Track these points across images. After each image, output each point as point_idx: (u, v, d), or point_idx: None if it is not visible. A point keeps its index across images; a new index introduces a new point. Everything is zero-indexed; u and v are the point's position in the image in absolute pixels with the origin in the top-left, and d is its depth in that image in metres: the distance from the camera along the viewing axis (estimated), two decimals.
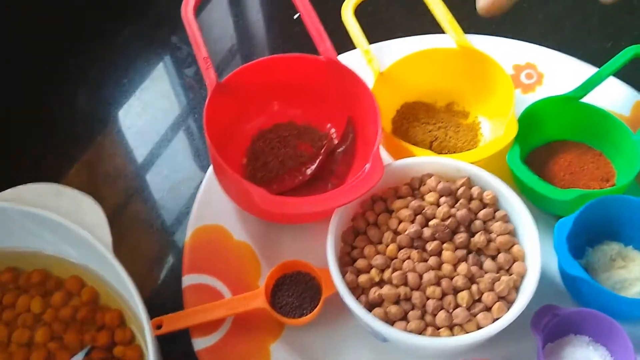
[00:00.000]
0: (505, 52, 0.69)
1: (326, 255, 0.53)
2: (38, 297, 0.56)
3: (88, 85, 0.77)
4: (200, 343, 0.55)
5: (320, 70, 0.62)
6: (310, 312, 0.56)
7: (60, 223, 0.53)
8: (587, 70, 0.67)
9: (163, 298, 0.61)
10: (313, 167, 0.64)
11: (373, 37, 0.71)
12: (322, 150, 0.64)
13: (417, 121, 0.67)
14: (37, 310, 0.56)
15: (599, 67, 0.64)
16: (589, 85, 0.63)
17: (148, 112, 0.74)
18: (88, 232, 0.52)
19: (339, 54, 0.69)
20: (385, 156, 0.63)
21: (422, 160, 0.58)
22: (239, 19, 0.83)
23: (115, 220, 0.66)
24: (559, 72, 0.69)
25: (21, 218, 0.54)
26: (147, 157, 0.71)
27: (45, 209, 0.53)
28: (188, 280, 0.59)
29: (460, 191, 0.57)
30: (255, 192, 0.54)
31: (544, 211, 0.60)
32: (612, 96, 0.66)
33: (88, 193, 0.67)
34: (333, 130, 0.66)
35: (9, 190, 0.55)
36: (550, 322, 0.54)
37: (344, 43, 0.69)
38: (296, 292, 0.58)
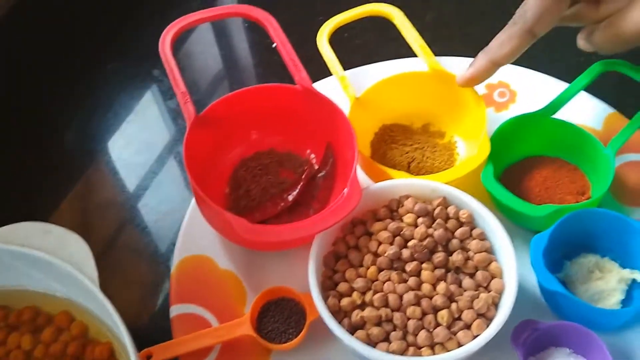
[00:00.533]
0: None
1: (308, 281, 0.55)
2: (28, 334, 0.57)
3: (75, 121, 0.78)
4: None
5: (297, 98, 0.64)
6: (296, 337, 0.57)
7: (48, 261, 0.54)
8: (559, 86, 0.69)
9: (154, 328, 0.62)
10: (294, 193, 0.65)
11: (350, 62, 0.73)
12: (303, 176, 0.66)
13: (395, 143, 0.69)
14: (27, 346, 0.57)
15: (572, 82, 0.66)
16: (559, 101, 0.64)
17: (134, 144, 0.75)
18: (74, 268, 0.54)
19: (317, 80, 0.71)
20: (365, 179, 0.64)
21: (398, 183, 0.60)
22: (224, 49, 0.85)
23: (107, 251, 0.67)
24: (532, 89, 0.70)
25: (9, 258, 0.55)
26: (136, 188, 0.72)
27: (33, 248, 0.55)
28: (176, 310, 0.60)
29: (436, 211, 0.58)
30: (235, 222, 0.55)
31: (521, 227, 0.62)
32: (584, 111, 0.68)
33: (80, 225, 0.69)
34: (313, 155, 0.68)
35: None
36: (530, 336, 0.55)
37: (322, 70, 0.70)
38: (281, 318, 0.59)
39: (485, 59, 0.60)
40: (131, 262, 0.67)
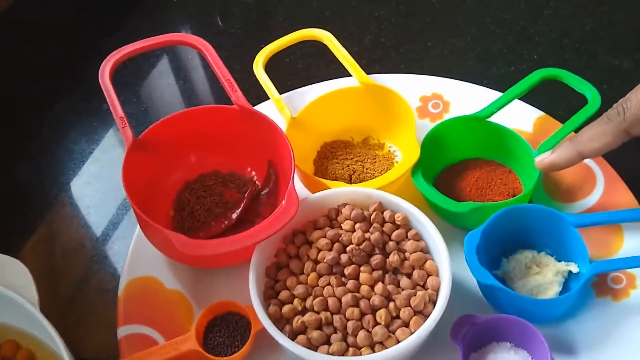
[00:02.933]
0: (412, 85, 0.74)
1: (248, 289, 0.56)
2: None
3: (29, 161, 0.79)
4: None
5: (235, 118, 0.66)
6: (240, 349, 0.57)
7: None
8: (491, 95, 0.71)
9: None
10: (238, 211, 0.66)
11: (291, 86, 0.76)
12: (246, 195, 0.67)
13: (336, 158, 0.70)
14: None
15: (503, 92, 0.68)
16: (496, 104, 0.67)
17: (94, 181, 0.76)
18: (15, 293, 0.54)
19: (258, 104, 0.73)
20: (308, 194, 0.66)
21: (335, 192, 0.61)
22: (182, 80, 0.87)
23: (77, 293, 0.67)
24: (464, 99, 0.73)
25: None
26: (104, 227, 0.72)
27: None
28: (123, 331, 0.60)
29: (373, 216, 0.59)
30: (173, 237, 0.56)
31: (456, 226, 0.63)
32: (515, 114, 0.70)
33: (47, 267, 0.69)
34: (254, 173, 0.69)
35: None
36: (470, 331, 0.56)
37: (262, 93, 0.73)
38: (227, 332, 0.59)
39: (572, 149, 0.58)
40: (102, 303, 0.66)
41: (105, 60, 0.66)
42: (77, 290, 0.68)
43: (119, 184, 0.74)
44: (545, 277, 0.60)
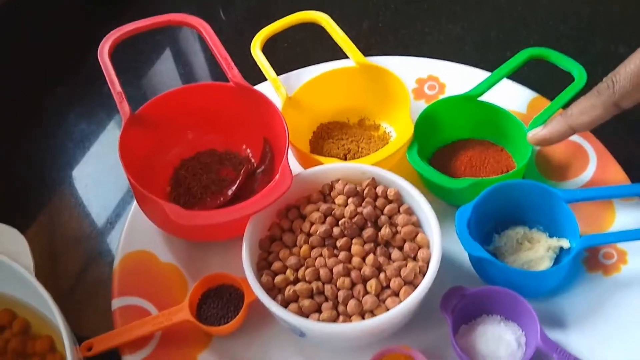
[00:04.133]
0: (408, 68, 0.74)
1: (242, 261, 0.56)
2: None
3: (30, 142, 0.80)
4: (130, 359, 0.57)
5: (231, 95, 0.67)
6: (233, 319, 0.58)
7: None
8: (486, 77, 0.72)
9: None
10: (233, 187, 0.67)
11: (289, 69, 0.77)
12: (242, 172, 0.68)
13: (332, 138, 0.71)
14: None
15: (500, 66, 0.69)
16: (486, 83, 0.67)
17: (94, 160, 0.77)
18: (10, 259, 0.55)
19: (254, 85, 0.74)
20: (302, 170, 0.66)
21: (329, 167, 0.62)
22: (181, 65, 0.89)
23: (76, 284, 0.68)
24: (460, 81, 0.73)
25: None
26: (103, 204, 0.73)
27: None
28: (117, 303, 0.61)
29: (365, 191, 0.60)
30: (168, 208, 0.57)
31: (450, 204, 0.64)
32: (510, 96, 0.71)
33: (49, 253, 0.70)
34: (249, 151, 0.70)
35: None
36: (459, 303, 0.56)
37: (261, 77, 0.74)
38: (220, 303, 0.60)
39: (564, 123, 0.59)
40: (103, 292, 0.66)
41: (105, 38, 0.67)
42: (76, 281, 0.68)
43: (118, 163, 0.76)
44: (537, 252, 0.60)
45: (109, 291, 0.62)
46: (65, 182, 0.76)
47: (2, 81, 0.86)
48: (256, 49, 0.73)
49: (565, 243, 0.59)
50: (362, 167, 0.61)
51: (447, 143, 0.69)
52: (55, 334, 0.57)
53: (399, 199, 0.60)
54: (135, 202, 0.66)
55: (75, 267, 0.68)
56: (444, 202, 0.65)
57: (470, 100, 0.67)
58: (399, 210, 0.59)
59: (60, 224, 0.72)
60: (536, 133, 0.61)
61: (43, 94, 0.85)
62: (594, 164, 0.66)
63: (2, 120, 0.82)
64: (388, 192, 0.60)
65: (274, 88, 0.70)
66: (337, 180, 0.61)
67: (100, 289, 0.65)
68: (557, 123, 0.59)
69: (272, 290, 0.56)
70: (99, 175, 0.76)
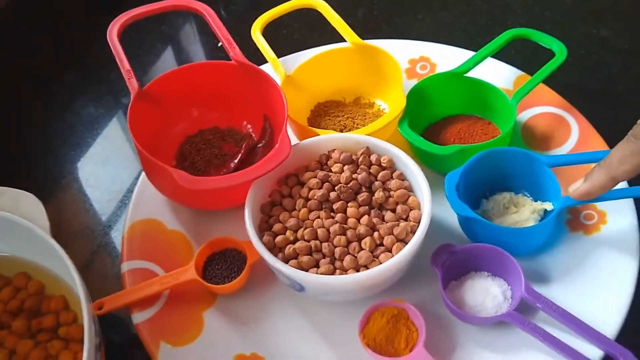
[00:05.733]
0: (401, 49, 0.78)
1: (244, 226, 0.60)
2: None
3: (40, 123, 0.84)
4: (138, 317, 0.61)
5: (233, 73, 0.71)
6: (237, 279, 0.62)
7: (2, 217, 0.59)
8: (473, 55, 0.76)
9: None
10: (235, 161, 0.71)
11: (287, 54, 0.80)
12: (243, 146, 0.72)
13: (328, 115, 0.75)
14: None
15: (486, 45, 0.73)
16: (472, 60, 0.71)
17: (102, 140, 0.81)
18: (28, 222, 0.59)
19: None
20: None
21: (326, 137, 0.66)
22: (183, 54, 0.93)
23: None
24: (450, 61, 0.77)
25: None
26: (111, 182, 0.77)
27: None
28: (126, 266, 0.64)
29: (360, 159, 0.64)
30: (175, 174, 0.60)
31: (440, 173, 0.67)
32: (497, 75, 0.75)
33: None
34: (250, 127, 0.74)
35: None
36: (449, 259, 0.60)
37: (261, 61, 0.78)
38: (224, 265, 0.63)
39: (604, 174, 0.56)
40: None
41: (113, 21, 0.71)
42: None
43: (125, 143, 0.80)
44: (522, 215, 0.64)
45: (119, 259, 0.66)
46: (76, 160, 0.80)
47: (13, 69, 0.91)
48: (256, 32, 0.77)
49: (548, 206, 0.63)
50: (357, 137, 0.65)
51: (437, 120, 0.73)
52: (69, 294, 0.61)
53: (392, 166, 0.64)
54: (143, 174, 0.69)
55: (88, 235, 0.72)
56: (434, 171, 0.68)
57: (457, 76, 0.71)
58: (392, 176, 0.63)
59: (72, 199, 0.76)
60: (577, 188, 0.58)
61: (52, 80, 0.89)
62: (575, 135, 0.70)
63: (13, 105, 0.86)
64: (382, 160, 0.64)
65: (274, 68, 0.74)
66: (334, 150, 0.65)
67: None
68: (598, 175, 0.56)
69: (274, 249, 0.60)
70: (107, 155, 0.79)
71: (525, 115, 0.73)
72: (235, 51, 0.70)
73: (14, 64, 0.91)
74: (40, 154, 0.81)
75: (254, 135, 0.73)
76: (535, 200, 0.65)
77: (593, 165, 0.65)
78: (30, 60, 0.92)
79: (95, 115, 0.84)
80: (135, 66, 0.68)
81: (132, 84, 0.67)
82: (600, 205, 0.64)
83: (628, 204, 0.63)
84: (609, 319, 0.56)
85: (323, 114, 0.76)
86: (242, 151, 0.71)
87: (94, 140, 0.82)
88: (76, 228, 0.73)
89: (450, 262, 0.60)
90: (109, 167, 0.78)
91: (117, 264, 0.69)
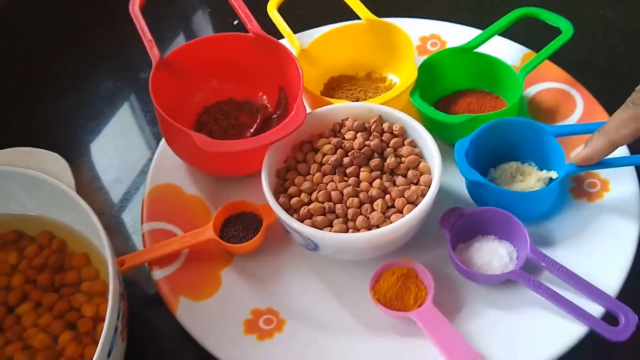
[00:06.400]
0: (412, 27, 0.80)
1: (262, 186, 0.62)
2: (14, 251, 0.64)
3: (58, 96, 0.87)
4: (158, 274, 0.63)
5: (250, 45, 0.73)
6: (253, 239, 0.64)
7: (29, 175, 0.61)
8: (481, 32, 0.78)
9: None
10: (252, 130, 0.73)
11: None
12: (259, 116, 0.74)
13: (342, 89, 0.78)
14: (13, 261, 0.63)
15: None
16: (481, 37, 0.74)
17: (121, 113, 0.83)
18: (55, 179, 0.61)
19: None
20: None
21: (339, 106, 0.68)
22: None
23: None
24: (460, 39, 0.79)
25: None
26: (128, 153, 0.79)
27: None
28: (147, 227, 0.67)
29: (373, 127, 0.66)
30: (196, 137, 0.63)
31: (449, 142, 0.70)
32: (505, 52, 0.77)
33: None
34: (265, 98, 0.76)
35: None
36: (457, 222, 0.62)
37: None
38: (241, 227, 0.66)
39: (603, 139, 0.58)
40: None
41: None
42: None
43: (141, 117, 0.82)
44: (528, 183, 0.66)
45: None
46: (95, 131, 0.82)
47: (29, 44, 0.93)
48: (273, 10, 0.80)
49: (553, 174, 0.65)
50: (370, 105, 0.67)
51: (446, 94, 0.75)
52: (91, 251, 0.63)
53: (403, 134, 0.66)
54: (162, 141, 0.72)
55: (106, 201, 0.75)
56: (443, 142, 0.70)
57: (466, 52, 0.74)
58: (403, 143, 0.66)
59: (90, 167, 0.79)
60: (578, 153, 0.61)
61: (68, 54, 0.92)
62: (580, 109, 0.72)
63: (31, 78, 0.89)
64: (394, 128, 0.66)
65: (289, 41, 0.77)
66: (347, 118, 0.67)
67: None
68: (597, 141, 0.59)
69: (289, 210, 0.62)
70: (125, 126, 0.82)
71: (531, 91, 0.75)
72: (253, 24, 0.72)
73: (35, 38, 0.94)
74: (59, 125, 0.84)
75: (269, 107, 0.76)
76: (541, 170, 0.67)
77: None
78: (50, 32, 0.95)
79: (113, 89, 0.87)
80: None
81: (154, 52, 0.69)
82: (603, 174, 0.66)
83: (630, 172, 0.65)
84: (611, 279, 0.59)
85: (336, 87, 0.78)
86: (258, 121, 0.74)
87: (112, 113, 0.84)
88: (94, 195, 0.76)
89: (458, 226, 0.62)
90: (127, 139, 0.81)
91: (135, 229, 0.71)
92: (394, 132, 0.66)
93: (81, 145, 0.81)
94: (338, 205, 0.61)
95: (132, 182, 0.76)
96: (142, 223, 0.67)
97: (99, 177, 0.78)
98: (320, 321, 0.61)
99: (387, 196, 0.62)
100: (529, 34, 0.81)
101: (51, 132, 0.83)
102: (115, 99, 0.86)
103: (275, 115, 0.75)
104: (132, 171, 0.77)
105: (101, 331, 0.52)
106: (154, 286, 0.63)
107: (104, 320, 0.58)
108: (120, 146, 0.80)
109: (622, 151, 0.66)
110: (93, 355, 0.50)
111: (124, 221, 0.73)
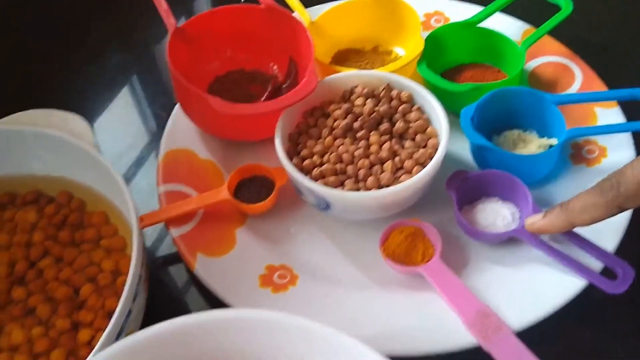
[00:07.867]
0: (417, 3, 0.82)
1: (275, 149, 0.65)
2: (33, 210, 0.66)
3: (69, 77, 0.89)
4: (176, 232, 0.65)
5: (261, 16, 0.75)
6: (266, 200, 0.67)
7: (51, 135, 0.63)
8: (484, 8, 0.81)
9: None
10: (262, 99, 0.76)
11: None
12: (269, 85, 0.77)
13: (349, 61, 0.80)
14: (33, 219, 0.65)
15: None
16: (484, 12, 0.77)
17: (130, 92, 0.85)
18: (76, 138, 0.63)
19: None
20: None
21: (350, 74, 0.71)
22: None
23: None
24: (463, 15, 0.82)
25: (17, 138, 0.65)
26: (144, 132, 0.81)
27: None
28: (162, 188, 0.69)
29: (382, 94, 0.69)
30: (211, 100, 0.65)
31: (454, 112, 0.72)
32: (506, 28, 0.80)
33: None
34: (276, 67, 0.79)
35: (4, 118, 0.66)
36: (463, 184, 0.65)
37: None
38: (254, 189, 0.68)
39: (564, 218, 0.57)
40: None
41: None
42: None
43: (156, 87, 0.84)
44: (529, 150, 0.69)
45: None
46: (107, 100, 0.84)
47: (43, 19, 0.95)
48: None
49: (554, 141, 0.68)
50: (379, 73, 0.70)
51: (450, 67, 0.78)
52: (110, 210, 0.65)
53: (411, 100, 0.69)
54: (176, 106, 0.74)
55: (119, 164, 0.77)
56: (449, 111, 0.73)
57: (469, 26, 0.77)
58: (411, 109, 0.68)
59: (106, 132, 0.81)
60: (534, 222, 0.60)
61: (83, 29, 0.94)
62: (579, 81, 0.75)
63: (45, 49, 0.91)
64: (402, 95, 0.69)
65: (299, 13, 0.79)
66: (357, 86, 0.70)
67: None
68: (557, 217, 0.58)
69: (302, 172, 0.65)
70: (140, 96, 0.84)
71: (532, 65, 0.78)
72: None
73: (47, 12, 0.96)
74: (73, 95, 0.86)
75: (279, 77, 0.78)
76: (542, 137, 0.70)
77: (595, 106, 0.71)
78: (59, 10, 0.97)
79: (125, 60, 0.89)
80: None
81: (170, 21, 0.72)
82: (601, 141, 0.69)
83: (627, 138, 0.68)
84: (609, 237, 0.62)
85: (343, 60, 0.81)
86: (269, 90, 0.76)
87: (125, 83, 0.86)
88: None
89: (463, 188, 0.65)
90: (140, 108, 0.83)
91: (149, 194, 0.73)
92: (402, 98, 0.69)
93: (97, 113, 0.83)
94: (349, 167, 0.64)
95: (145, 148, 0.78)
96: (157, 185, 0.69)
97: (114, 139, 0.80)
98: (333, 277, 0.63)
99: (397, 158, 0.64)
100: (529, 11, 0.85)
101: (65, 101, 0.85)
102: (126, 70, 0.88)
103: (285, 85, 0.77)
104: (146, 136, 0.79)
105: (122, 284, 0.54)
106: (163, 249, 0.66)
107: (123, 275, 0.61)
108: (133, 115, 0.82)
109: (619, 118, 0.70)
110: (114, 306, 0.52)
111: (138, 185, 0.75)
